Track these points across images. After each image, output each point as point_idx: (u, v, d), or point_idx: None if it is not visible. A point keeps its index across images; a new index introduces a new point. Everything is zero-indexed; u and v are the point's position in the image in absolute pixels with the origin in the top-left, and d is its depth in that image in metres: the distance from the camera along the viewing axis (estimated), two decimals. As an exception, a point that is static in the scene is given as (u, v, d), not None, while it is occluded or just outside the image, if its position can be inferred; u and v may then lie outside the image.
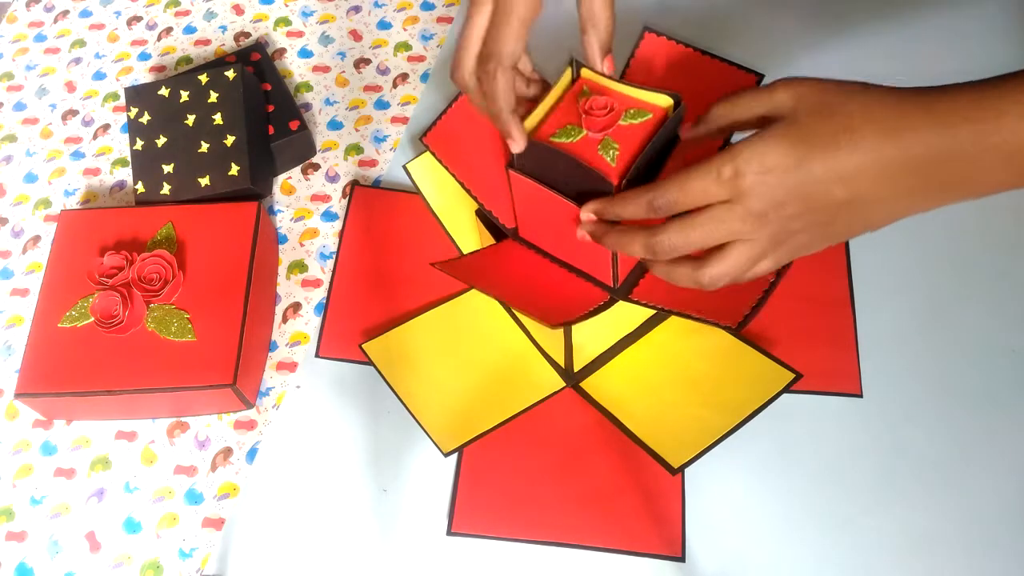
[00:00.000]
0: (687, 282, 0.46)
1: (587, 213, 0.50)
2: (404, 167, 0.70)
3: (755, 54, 0.80)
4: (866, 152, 0.40)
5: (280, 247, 0.75)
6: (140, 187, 0.73)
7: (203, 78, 0.75)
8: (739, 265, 0.44)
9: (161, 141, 0.74)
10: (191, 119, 0.74)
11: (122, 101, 0.83)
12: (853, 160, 0.40)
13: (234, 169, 0.71)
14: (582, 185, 0.51)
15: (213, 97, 0.74)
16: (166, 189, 0.72)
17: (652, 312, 0.66)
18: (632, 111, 0.52)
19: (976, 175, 0.40)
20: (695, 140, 0.50)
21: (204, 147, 0.72)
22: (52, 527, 0.64)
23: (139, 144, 0.74)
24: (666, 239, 0.45)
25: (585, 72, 0.54)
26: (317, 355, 0.69)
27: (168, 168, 0.72)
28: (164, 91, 0.75)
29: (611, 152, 0.51)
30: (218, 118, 0.73)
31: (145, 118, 0.75)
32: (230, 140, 0.72)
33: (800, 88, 0.42)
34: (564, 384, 0.66)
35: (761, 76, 0.57)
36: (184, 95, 0.75)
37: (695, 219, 0.44)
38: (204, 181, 0.71)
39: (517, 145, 0.51)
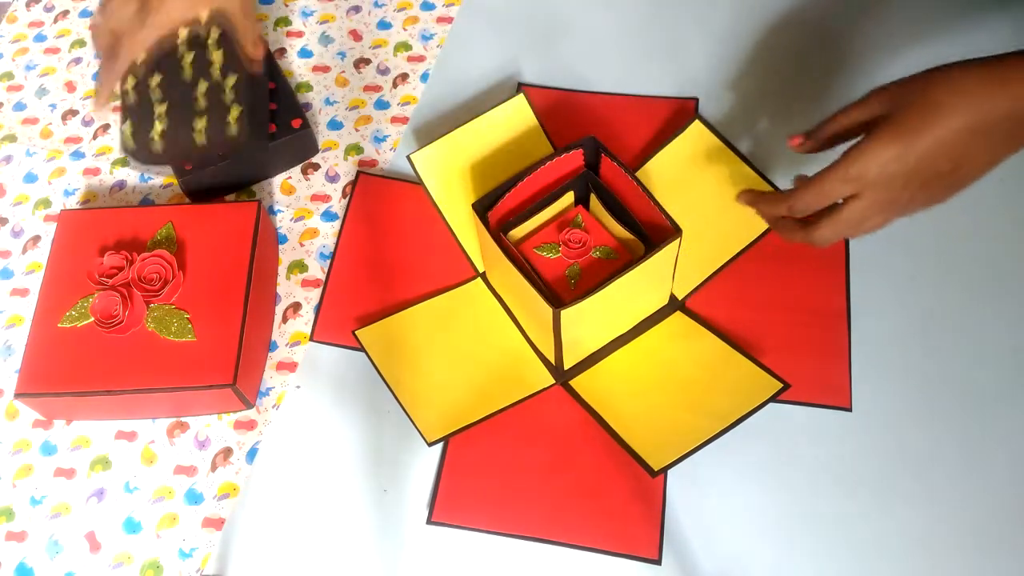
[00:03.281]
0: (827, 243, 0.57)
1: (743, 198, 0.63)
2: (408, 157, 0.70)
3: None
4: (955, 120, 0.49)
5: (280, 247, 0.75)
6: (127, 128, 0.67)
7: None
8: (871, 228, 0.55)
9: (155, 81, 0.68)
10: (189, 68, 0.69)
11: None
12: (946, 129, 0.49)
13: (234, 114, 0.68)
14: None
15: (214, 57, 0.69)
16: (157, 133, 0.67)
17: (647, 315, 0.67)
18: (604, 248, 0.66)
19: None
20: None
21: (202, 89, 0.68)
22: (52, 527, 0.64)
23: (131, 84, 0.68)
24: (821, 236, 0.56)
25: (593, 204, 0.67)
26: (311, 339, 0.69)
27: (161, 110, 0.67)
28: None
29: (574, 279, 0.65)
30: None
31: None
32: (229, 82, 0.68)
33: (888, 92, 0.52)
34: (554, 381, 0.66)
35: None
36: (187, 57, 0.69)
37: (839, 217, 0.54)
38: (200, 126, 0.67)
39: (96, 105, 0.66)
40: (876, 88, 0.53)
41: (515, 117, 0.73)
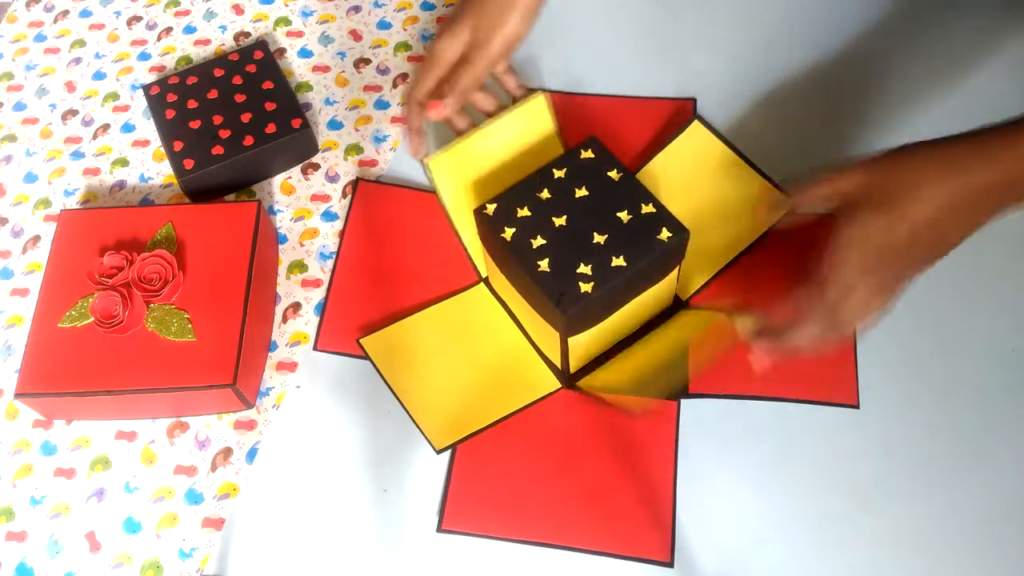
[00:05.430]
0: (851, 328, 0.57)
1: (760, 359, 0.59)
2: (421, 161, 0.68)
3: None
4: (928, 200, 0.50)
5: (280, 247, 0.75)
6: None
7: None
8: (878, 307, 0.56)
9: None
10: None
11: (122, 101, 0.83)
12: (919, 212, 0.50)
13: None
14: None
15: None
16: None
17: (651, 316, 0.67)
18: None
19: (1013, 196, 0.51)
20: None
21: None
22: (52, 527, 0.64)
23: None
24: (844, 323, 0.55)
25: None
26: (315, 348, 0.69)
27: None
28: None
29: None
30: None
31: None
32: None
33: (862, 176, 0.53)
34: (560, 385, 0.66)
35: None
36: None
37: (848, 305, 0.54)
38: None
39: (416, 151, 0.66)
40: (852, 166, 0.54)
41: (533, 120, 0.69)
